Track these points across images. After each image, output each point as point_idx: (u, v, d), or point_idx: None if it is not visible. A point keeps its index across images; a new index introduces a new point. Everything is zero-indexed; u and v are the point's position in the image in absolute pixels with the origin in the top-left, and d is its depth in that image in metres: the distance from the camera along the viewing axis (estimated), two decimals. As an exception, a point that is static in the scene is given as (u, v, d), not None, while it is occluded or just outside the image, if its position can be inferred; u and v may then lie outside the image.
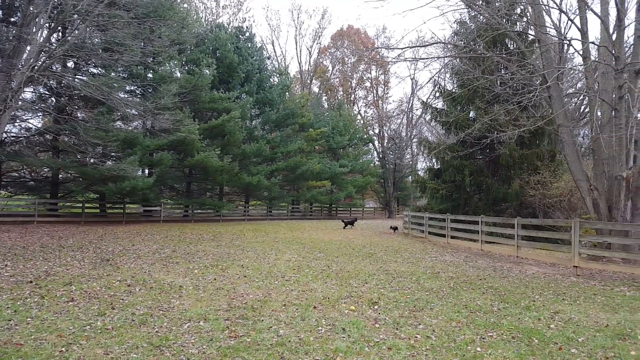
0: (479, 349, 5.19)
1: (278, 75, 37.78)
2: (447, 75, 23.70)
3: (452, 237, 17.63)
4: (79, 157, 23.66)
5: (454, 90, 21.95)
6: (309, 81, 53.17)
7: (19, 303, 6.63)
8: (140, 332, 5.49)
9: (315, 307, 7.05)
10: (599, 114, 13.64)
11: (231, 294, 7.80)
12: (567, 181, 17.07)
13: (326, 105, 50.91)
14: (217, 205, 31.42)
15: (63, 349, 4.81)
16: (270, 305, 7.08)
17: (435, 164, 23.66)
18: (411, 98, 51.38)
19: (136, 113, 23.02)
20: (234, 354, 4.89)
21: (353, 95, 56.09)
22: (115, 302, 6.90)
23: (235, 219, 32.95)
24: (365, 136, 48.08)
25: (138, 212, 30.19)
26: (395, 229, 24.27)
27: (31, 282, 8.13)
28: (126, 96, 24.71)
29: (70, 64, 23.07)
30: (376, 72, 55.01)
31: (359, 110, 55.98)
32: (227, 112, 28.12)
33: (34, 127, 24.96)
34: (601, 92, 13.16)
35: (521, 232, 13.41)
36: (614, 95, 12.57)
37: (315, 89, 54.06)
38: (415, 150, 49.83)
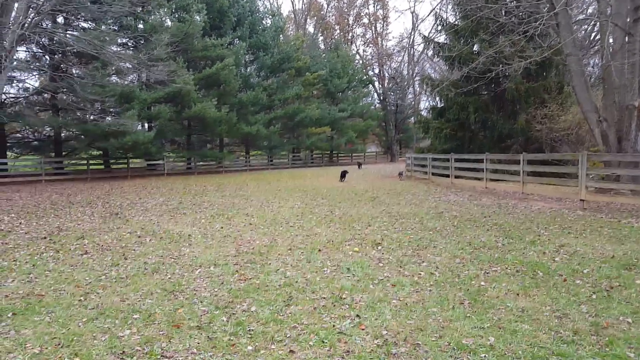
0: (483, 283, 5.21)
1: (271, 16, 36.37)
2: (449, 7, 22.72)
3: (456, 177, 17.57)
4: (78, 114, 23.53)
5: (456, 22, 21.06)
6: (303, 21, 51.20)
7: (36, 258, 6.75)
8: (154, 280, 5.60)
9: (320, 250, 7.10)
10: (610, 40, 13.05)
11: (238, 240, 7.93)
12: (575, 114, 16.68)
13: (323, 47, 49.32)
14: (218, 156, 31.40)
15: (82, 298, 4.95)
16: (277, 250, 7.18)
17: (438, 102, 23.19)
18: (412, 33, 49.60)
19: (130, 66, 22.54)
20: (245, 295, 4.98)
21: (350, 34, 54.18)
22: (128, 253, 7.02)
23: (237, 170, 33.04)
24: (365, 77, 46.97)
25: (142, 167, 30.38)
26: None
27: (45, 237, 8.25)
28: (119, 49, 24.12)
29: (60, 20, 22.43)
30: (374, 6, 52.77)
31: (357, 50, 54.28)
32: (220, 59, 27.39)
33: (31, 86, 24.65)
34: (614, 16, 12.45)
35: (527, 168, 13.27)
36: (628, 19, 11.91)
37: (311, 29, 52.03)
38: (418, 90, 48.80)
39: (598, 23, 14.76)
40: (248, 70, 35.02)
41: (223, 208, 12.14)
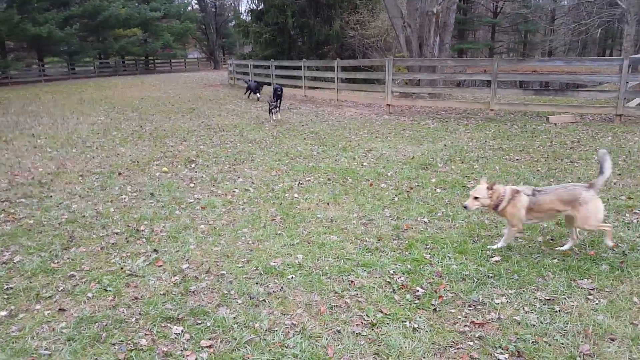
0: (296, 195, 5.06)
1: None
2: None
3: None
4: None
5: None
6: None
7: None
8: None
9: (120, 174, 6.16)
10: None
11: (15, 169, 6.59)
12: (384, 20, 17.46)
13: None
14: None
15: None
16: (64, 178, 6.07)
17: (257, 4, 22.00)
18: None
19: None
20: (9, 241, 3.98)
21: None
22: None
23: (29, 81, 27.72)
24: (179, -27, 41.93)
25: None
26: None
27: None
28: None
29: None
30: None
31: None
32: None
33: None
34: None
35: (341, 74, 13.57)
36: None
37: None
38: (238, -9, 45.73)
39: None
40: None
41: (1, 130, 9.99)
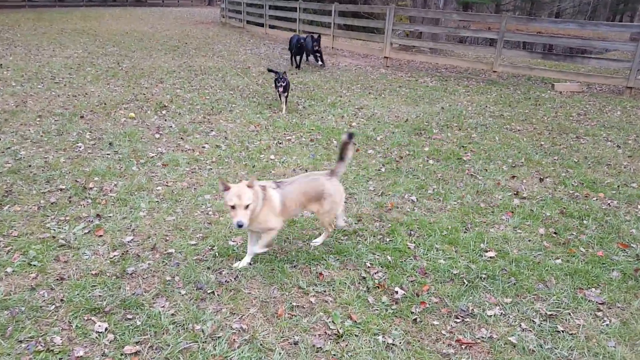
0: (272, 157, 4.52)
1: None
2: None
3: (271, 27, 16.19)
4: None
5: None
6: None
7: None
8: None
9: (82, 117, 5.54)
10: None
11: (-35, 106, 5.88)
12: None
13: None
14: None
15: None
16: (20, 118, 5.47)
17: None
18: None
19: None
20: None
21: None
22: None
23: (13, 6, 25.87)
24: None
25: None
26: None
27: None
28: None
29: None
30: None
31: None
32: None
33: None
34: None
35: (338, 20, 12.60)
36: None
37: None
38: None
39: None
40: None
41: (-36, 58, 9.16)
